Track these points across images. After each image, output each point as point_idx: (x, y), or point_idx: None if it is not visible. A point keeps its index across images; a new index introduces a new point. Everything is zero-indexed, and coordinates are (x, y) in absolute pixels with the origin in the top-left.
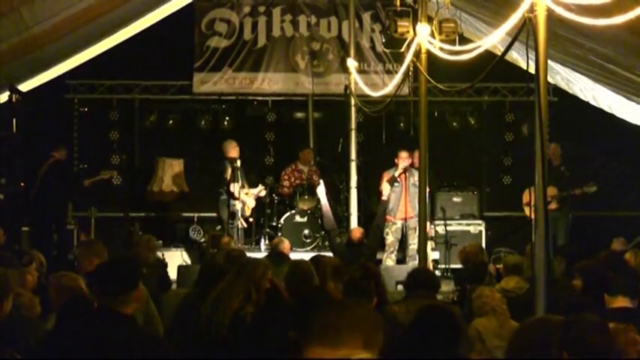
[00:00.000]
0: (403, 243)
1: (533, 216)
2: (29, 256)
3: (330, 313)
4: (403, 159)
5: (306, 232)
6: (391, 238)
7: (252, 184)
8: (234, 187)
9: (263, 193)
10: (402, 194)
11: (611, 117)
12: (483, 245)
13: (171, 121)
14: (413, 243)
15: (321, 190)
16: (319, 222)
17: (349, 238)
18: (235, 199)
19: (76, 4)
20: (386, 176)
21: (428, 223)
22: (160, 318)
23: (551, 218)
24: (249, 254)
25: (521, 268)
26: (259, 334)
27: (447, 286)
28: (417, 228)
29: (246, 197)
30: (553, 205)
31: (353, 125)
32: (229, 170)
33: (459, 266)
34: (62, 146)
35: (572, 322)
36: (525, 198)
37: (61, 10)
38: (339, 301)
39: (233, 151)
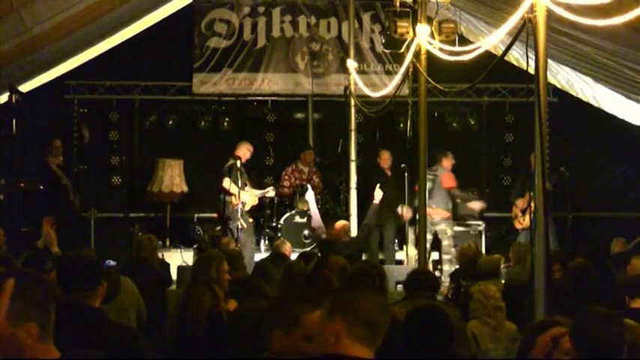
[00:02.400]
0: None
1: (520, 226)
2: (51, 263)
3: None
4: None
5: (306, 232)
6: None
7: (254, 185)
8: (226, 182)
9: (271, 194)
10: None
11: (611, 117)
12: (483, 246)
13: (171, 122)
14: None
15: (310, 196)
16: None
17: (328, 234)
18: (229, 194)
19: (75, 5)
20: None
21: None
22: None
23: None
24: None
25: (499, 271)
26: (237, 331)
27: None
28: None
29: (247, 197)
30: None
31: (353, 126)
32: (230, 166)
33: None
34: (54, 142)
35: (581, 315)
36: (514, 211)
37: (60, 10)
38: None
39: (240, 150)
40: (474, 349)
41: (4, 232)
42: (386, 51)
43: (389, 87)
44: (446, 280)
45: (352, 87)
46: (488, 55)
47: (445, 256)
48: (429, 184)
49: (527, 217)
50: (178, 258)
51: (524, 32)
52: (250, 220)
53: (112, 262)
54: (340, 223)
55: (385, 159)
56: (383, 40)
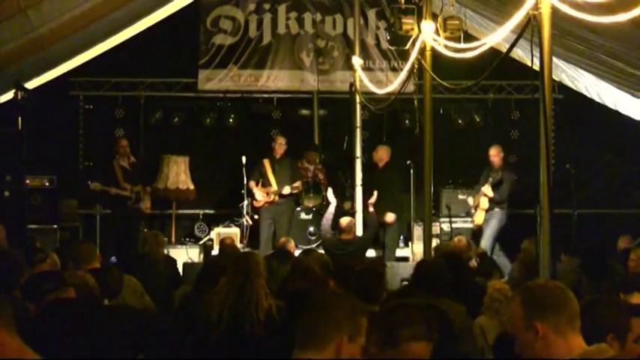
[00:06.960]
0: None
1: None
2: (42, 254)
3: (310, 316)
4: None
5: (312, 229)
6: None
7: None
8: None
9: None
10: None
11: (616, 114)
12: None
13: (176, 119)
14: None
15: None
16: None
17: (338, 228)
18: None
19: (82, 4)
20: None
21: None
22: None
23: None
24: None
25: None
26: (287, 329)
27: None
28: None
29: (259, 195)
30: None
31: (358, 123)
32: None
33: None
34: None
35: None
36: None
37: (67, 10)
38: (320, 302)
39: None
40: (481, 344)
41: (5, 228)
42: (391, 48)
43: (394, 84)
44: None
45: (357, 84)
46: (493, 52)
47: None
48: None
49: (478, 213)
50: (184, 255)
51: (529, 29)
52: (256, 216)
53: (114, 259)
54: (345, 220)
55: (378, 154)
56: (388, 37)
